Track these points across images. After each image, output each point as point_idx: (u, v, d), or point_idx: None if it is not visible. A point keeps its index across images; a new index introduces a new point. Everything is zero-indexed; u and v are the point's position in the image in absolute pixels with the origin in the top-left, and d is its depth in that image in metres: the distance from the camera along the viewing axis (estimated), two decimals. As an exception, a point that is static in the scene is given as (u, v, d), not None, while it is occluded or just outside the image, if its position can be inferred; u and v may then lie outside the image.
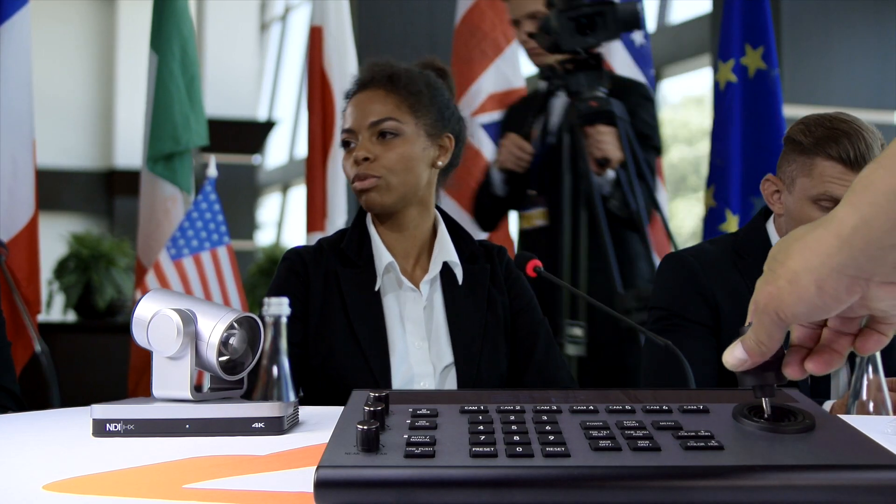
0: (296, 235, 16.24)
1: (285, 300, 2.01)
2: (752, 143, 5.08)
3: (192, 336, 1.74)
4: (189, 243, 2.28)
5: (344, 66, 5.08)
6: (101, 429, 1.65)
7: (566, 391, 1.43)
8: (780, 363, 1.19)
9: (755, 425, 1.23)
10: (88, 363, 6.94)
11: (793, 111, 5.27)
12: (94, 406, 1.66)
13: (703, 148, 15.46)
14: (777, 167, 2.88)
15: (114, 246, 8.34)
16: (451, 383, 2.64)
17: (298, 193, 16.56)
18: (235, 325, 1.78)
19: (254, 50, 15.45)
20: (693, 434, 1.20)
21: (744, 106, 5.10)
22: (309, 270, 2.69)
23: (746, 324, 1.18)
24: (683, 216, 13.05)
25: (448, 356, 2.65)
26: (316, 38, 5.02)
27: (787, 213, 2.82)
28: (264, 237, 16.29)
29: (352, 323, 2.63)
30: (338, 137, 4.89)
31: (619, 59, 5.26)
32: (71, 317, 8.31)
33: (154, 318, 1.72)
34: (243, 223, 12.94)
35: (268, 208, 17.22)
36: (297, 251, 2.74)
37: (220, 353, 1.74)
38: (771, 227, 2.91)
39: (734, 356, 1.19)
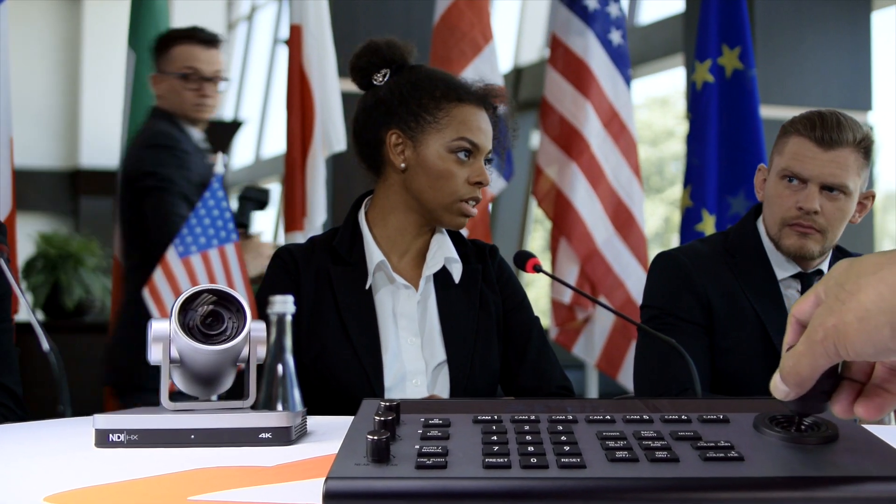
0: (263, 235, 16.15)
1: (290, 298, 1.99)
2: (729, 143, 5.11)
3: (167, 340, 1.72)
4: (197, 240, 2.26)
5: (323, 65, 5.05)
6: (103, 439, 1.63)
7: (582, 400, 1.40)
8: (828, 396, 1.12)
9: (776, 436, 1.21)
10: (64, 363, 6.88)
11: (766, 111, 5.30)
12: (97, 416, 1.63)
13: (667, 149, 15.51)
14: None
15: (82, 246, 8.30)
16: (443, 381, 2.64)
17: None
18: (205, 297, 1.74)
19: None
20: (712, 444, 1.18)
21: (721, 106, 5.13)
22: (300, 268, 2.68)
23: (786, 344, 1.11)
24: (647, 217, 13.09)
25: (441, 354, 2.65)
26: (295, 36, 4.99)
27: (767, 198, 2.87)
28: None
29: (344, 321, 2.63)
30: (318, 136, 4.92)
31: (597, 59, 5.28)
32: (38, 317, 8.23)
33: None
34: (210, 223, 12.84)
35: (235, 208, 17.10)
36: (288, 249, 2.73)
37: (188, 324, 1.71)
38: (761, 224, 2.93)
39: (778, 389, 1.11)
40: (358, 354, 2.60)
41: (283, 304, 1.99)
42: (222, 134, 13.28)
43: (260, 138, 16.26)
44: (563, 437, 1.22)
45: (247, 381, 1.80)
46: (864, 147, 2.79)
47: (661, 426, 1.27)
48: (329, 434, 1.79)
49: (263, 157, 16.21)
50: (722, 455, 1.14)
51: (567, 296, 5.23)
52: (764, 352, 2.81)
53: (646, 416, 1.31)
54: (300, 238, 4.83)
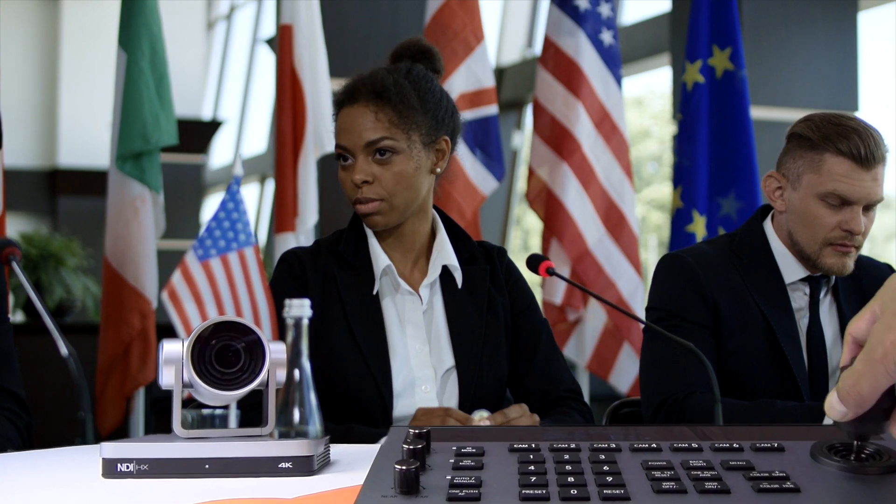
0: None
1: (307, 302, 1.96)
2: (720, 144, 5.11)
3: (179, 363, 1.65)
4: (216, 244, 2.23)
5: (315, 65, 5.03)
6: (111, 469, 1.56)
7: (626, 427, 1.33)
8: (887, 415, 1.06)
9: (835, 465, 1.15)
10: (42, 365, 6.83)
11: (753, 112, 5.29)
12: (104, 444, 1.57)
13: (644, 149, 15.53)
14: (778, 164, 2.88)
15: (63, 245, 8.24)
16: (452, 387, 2.62)
17: (244, 193, 16.42)
18: (213, 333, 1.68)
19: (199, 49, 15.30)
20: (766, 475, 1.13)
21: (711, 107, 5.13)
22: (307, 272, 2.66)
23: (843, 363, 1.06)
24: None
25: (449, 360, 2.63)
26: (286, 36, 4.97)
27: (791, 210, 2.82)
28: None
29: (351, 325, 2.61)
30: (309, 136, 4.90)
31: (588, 59, 5.26)
32: (19, 317, 8.17)
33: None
34: (189, 223, 12.81)
35: (212, 208, 17.07)
36: (294, 253, 2.71)
37: (200, 367, 1.65)
38: (769, 226, 2.91)
39: (835, 409, 1.05)
40: (366, 360, 2.58)
41: (300, 308, 1.96)
42: (201, 134, 13.24)
43: (239, 138, 16.21)
44: (606, 467, 1.17)
45: (266, 406, 1.73)
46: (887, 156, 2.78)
47: (711, 455, 1.22)
48: (354, 463, 1.74)
49: (243, 156, 16.16)
50: (777, 486, 1.10)
51: (559, 297, 5.21)
52: (771, 354, 2.80)
53: (694, 444, 1.25)
54: (292, 240, 4.80)
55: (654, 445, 1.25)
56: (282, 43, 5.00)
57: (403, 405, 2.55)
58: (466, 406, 2.61)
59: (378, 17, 6.84)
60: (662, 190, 15.21)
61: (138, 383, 4.85)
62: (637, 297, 5.27)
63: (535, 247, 13.33)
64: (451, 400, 2.61)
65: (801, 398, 2.78)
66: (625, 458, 1.21)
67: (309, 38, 5.01)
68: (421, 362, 2.61)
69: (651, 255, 13.81)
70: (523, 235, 14.02)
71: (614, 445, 1.25)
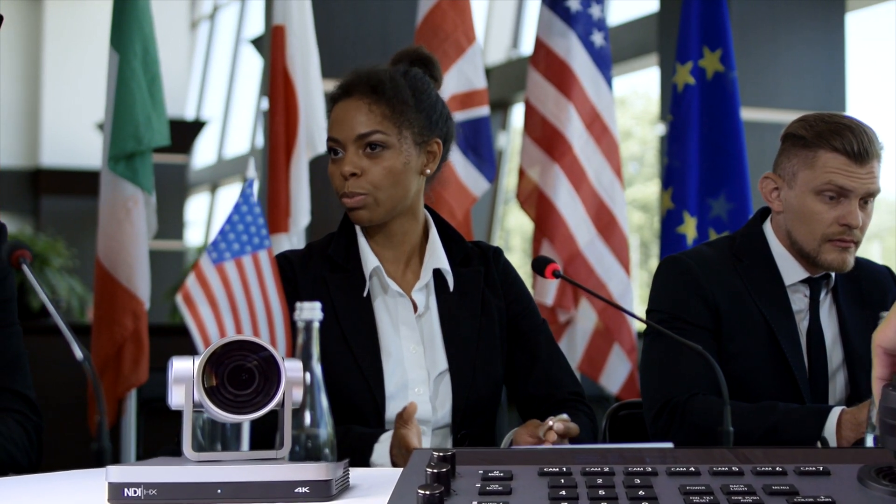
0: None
1: (317, 305, 1.97)
2: (710, 146, 5.11)
3: (189, 381, 1.60)
4: (230, 247, 2.21)
5: (307, 65, 5.01)
6: (118, 494, 1.51)
7: (663, 450, 1.27)
8: None
9: (884, 490, 1.10)
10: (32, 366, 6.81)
11: (743, 114, 5.30)
12: (111, 468, 1.52)
13: (624, 149, 15.60)
14: (774, 165, 2.89)
15: (48, 245, 8.21)
16: (445, 390, 2.62)
17: (227, 193, 16.39)
18: (225, 352, 1.65)
19: (183, 49, 15.27)
20: (811, 500, 1.08)
21: (702, 108, 5.13)
22: (298, 275, 2.65)
23: (877, 375, 1.03)
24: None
25: (442, 362, 2.63)
26: (278, 37, 4.95)
27: (788, 209, 2.84)
28: (192, 236, 16.12)
29: (342, 328, 2.60)
30: (302, 137, 4.89)
31: (579, 61, 5.26)
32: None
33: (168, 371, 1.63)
34: (173, 223, 12.81)
35: (195, 208, 17.04)
36: (285, 256, 2.71)
37: (212, 389, 1.62)
38: (768, 228, 2.92)
39: None
40: (357, 362, 2.58)
41: (311, 311, 1.96)
42: (185, 134, 13.21)
43: (222, 138, 16.17)
44: (642, 492, 1.13)
45: (281, 427, 1.69)
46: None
47: (753, 479, 1.17)
48: (374, 487, 1.69)
49: (226, 156, 16.13)
50: None
51: (550, 298, 5.20)
52: (771, 356, 2.81)
53: (735, 468, 1.20)
54: (285, 241, 4.78)
55: (693, 469, 1.21)
56: (274, 44, 4.98)
57: (396, 407, 2.53)
58: (460, 409, 2.61)
59: (369, 18, 6.84)
60: (644, 190, 15.25)
61: (131, 384, 4.83)
62: (627, 299, 5.28)
63: (517, 247, 13.35)
64: (445, 403, 2.61)
65: (801, 400, 2.79)
66: (661, 483, 1.17)
67: (301, 38, 4.99)
68: (415, 364, 2.61)
69: (633, 255, 13.85)
70: (505, 235, 14.03)
71: (650, 469, 1.21)
